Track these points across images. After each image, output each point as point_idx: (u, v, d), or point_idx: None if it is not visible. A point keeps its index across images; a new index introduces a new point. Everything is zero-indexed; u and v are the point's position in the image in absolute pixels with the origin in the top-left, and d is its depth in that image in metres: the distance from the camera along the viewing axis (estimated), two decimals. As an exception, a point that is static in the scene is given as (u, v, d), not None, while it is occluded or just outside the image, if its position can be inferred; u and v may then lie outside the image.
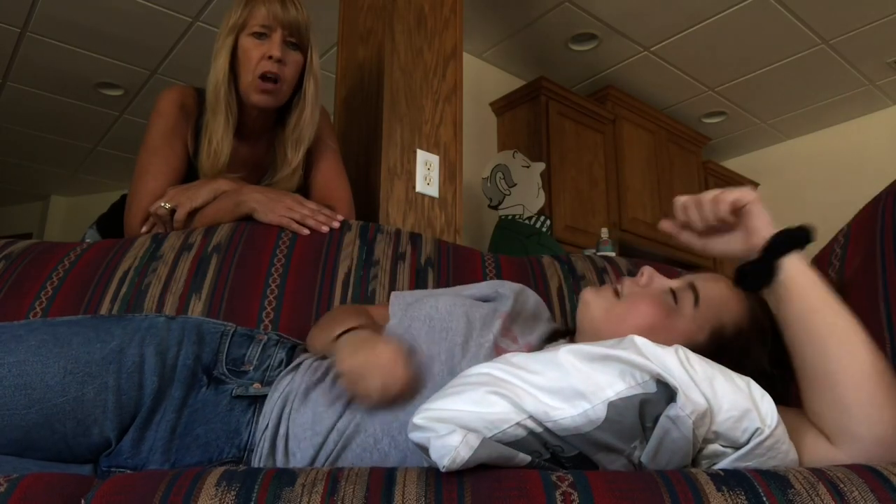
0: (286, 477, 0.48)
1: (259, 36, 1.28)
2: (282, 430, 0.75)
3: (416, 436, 0.52)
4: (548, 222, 2.72)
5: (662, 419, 0.53)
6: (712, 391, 0.55)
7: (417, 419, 0.53)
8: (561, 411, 0.52)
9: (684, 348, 0.59)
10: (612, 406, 0.52)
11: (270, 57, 1.27)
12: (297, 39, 1.31)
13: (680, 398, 0.52)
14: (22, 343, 0.74)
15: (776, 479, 0.46)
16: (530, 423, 0.52)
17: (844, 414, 0.60)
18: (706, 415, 0.53)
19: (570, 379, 0.54)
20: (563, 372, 0.55)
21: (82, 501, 0.49)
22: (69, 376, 0.73)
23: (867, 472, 0.47)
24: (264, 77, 1.28)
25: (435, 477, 0.47)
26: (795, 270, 0.67)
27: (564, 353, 0.57)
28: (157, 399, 0.76)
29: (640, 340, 0.58)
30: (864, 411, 0.59)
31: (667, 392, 0.54)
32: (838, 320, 0.64)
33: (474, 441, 0.48)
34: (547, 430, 0.53)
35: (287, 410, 0.76)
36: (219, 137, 1.28)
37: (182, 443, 0.75)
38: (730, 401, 0.55)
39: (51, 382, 0.72)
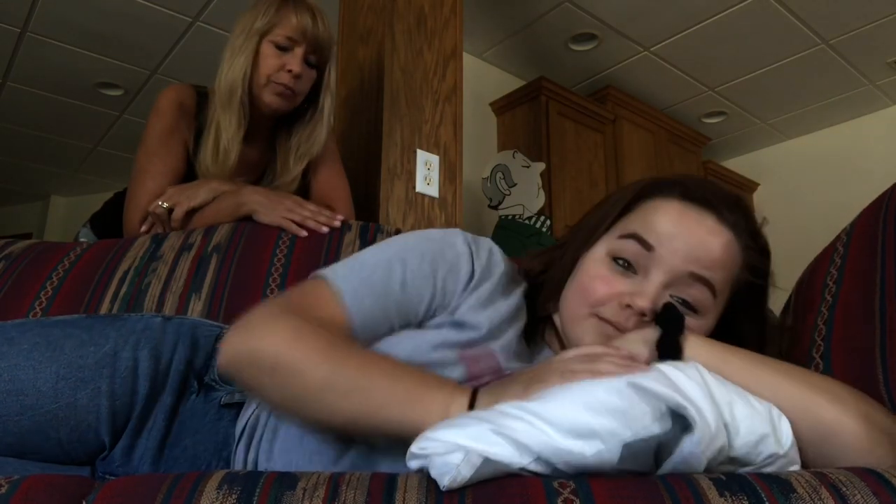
0: (287, 481, 0.48)
1: (281, 48, 1.29)
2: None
3: (414, 464, 0.49)
4: (548, 222, 2.71)
5: (676, 456, 0.50)
6: (731, 415, 0.53)
7: (415, 448, 0.49)
8: (572, 453, 0.48)
9: (701, 368, 0.56)
10: (627, 447, 0.48)
11: (290, 71, 1.28)
12: (316, 58, 1.33)
13: (696, 433, 0.49)
14: (14, 346, 0.71)
15: (779, 484, 0.46)
16: (535, 467, 0.49)
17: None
18: (722, 450, 0.52)
19: (584, 416, 0.50)
20: (575, 409, 0.50)
21: (83, 503, 0.49)
22: (62, 381, 0.70)
23: (869, 476, 0.47)
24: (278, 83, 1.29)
25: (436, 483, 0.47)
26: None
27: (578, 388, 0.53)
28: (149, 404, 0.74)
29: (666, 368, 0.55)
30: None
31: (682, 423, 0.51)
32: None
33: (477, 460, 0.45)
34: (555, 468, 0.49)
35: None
36: (229, 136, 1.28)
37: (171, 454, 0.74)
38: (747, 426, 0.53)
39: (43, 388, 0.70)
